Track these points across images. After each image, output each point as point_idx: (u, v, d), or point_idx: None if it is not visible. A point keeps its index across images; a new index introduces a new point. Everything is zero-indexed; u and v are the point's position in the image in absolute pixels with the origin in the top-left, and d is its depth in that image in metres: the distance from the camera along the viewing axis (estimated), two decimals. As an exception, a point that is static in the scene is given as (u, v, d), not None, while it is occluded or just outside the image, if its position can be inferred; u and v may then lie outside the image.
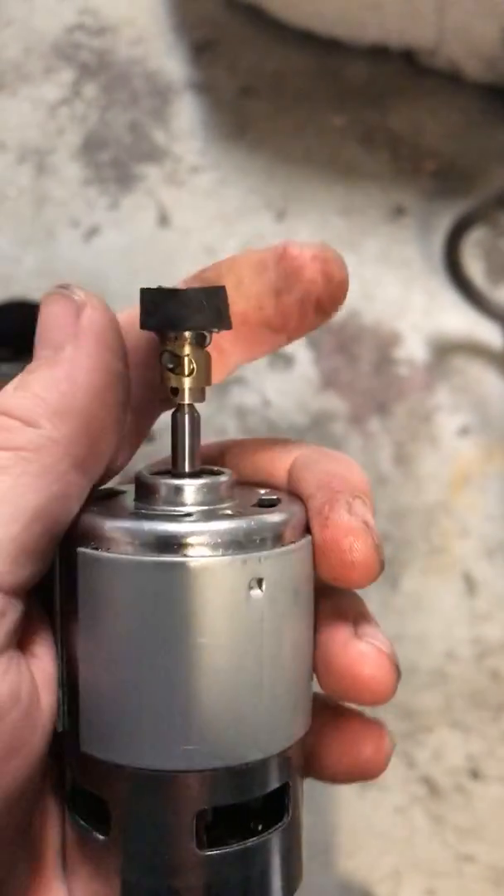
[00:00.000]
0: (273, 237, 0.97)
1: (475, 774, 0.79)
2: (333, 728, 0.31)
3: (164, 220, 0.99)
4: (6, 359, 0.88)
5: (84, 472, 0.28)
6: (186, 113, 1.06)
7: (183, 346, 0.30)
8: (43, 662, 0.28)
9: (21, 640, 0.28)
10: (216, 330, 0.31)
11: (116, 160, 1.03)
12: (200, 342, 0.30)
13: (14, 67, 1.09)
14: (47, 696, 0.28)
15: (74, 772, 0.30)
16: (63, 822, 0.31)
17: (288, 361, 0.91)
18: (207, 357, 0.31)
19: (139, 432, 0.30)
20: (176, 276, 0.95)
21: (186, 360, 0.30)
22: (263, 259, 0.30)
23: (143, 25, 1.12)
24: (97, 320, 0.29)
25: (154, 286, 0.31)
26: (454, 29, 0.95)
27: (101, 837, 0.29)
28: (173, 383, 0.30)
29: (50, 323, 0.29)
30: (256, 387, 0.90)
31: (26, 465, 0.26)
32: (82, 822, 0.29)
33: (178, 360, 0.30)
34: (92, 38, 1.11)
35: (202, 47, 1.10)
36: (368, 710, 0.33)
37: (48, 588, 0.29)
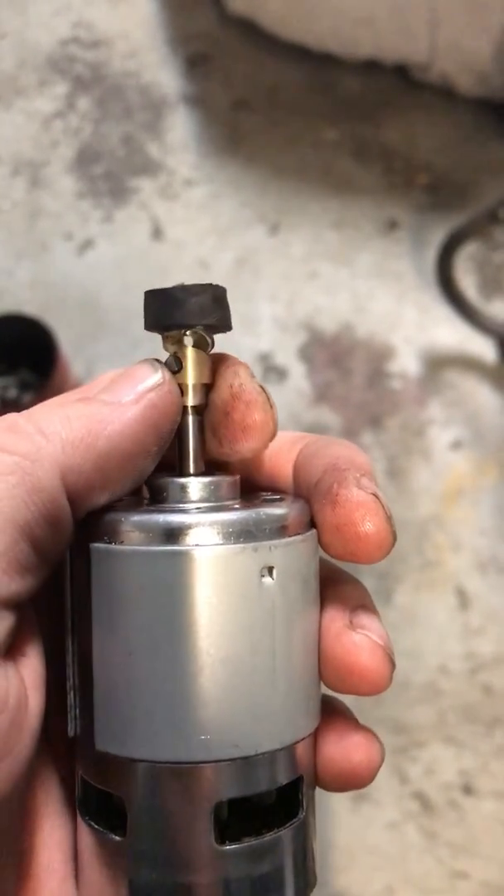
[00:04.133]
0: (266, 251, 0.98)
1: (468, 790, 0.79)
2: (326, 731, 0.31)
3: (157, 233, 0.99)
4: (0, 372, 0.88)
5: (73, 507, 0.28)
6: (180, 126, 1.06)
7: (185, 346, 0.30)
8: (32, 665, 0.28)
9: (11, 647, 0.28)
10: (218, 330, 0.31)
11: (110, 173, 1.03)
12: (202, 343, 0.31)
13: (8, 80, 1.09)
14: (35, 700, 0.28)
15: (88, 774, 0.30)
16: (63, 831, 0.31)
17: (281, 374, 0.91)
18: (208, 359, 0.31)
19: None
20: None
21: (190, 360, 0.30)
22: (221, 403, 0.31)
23: (137, 39, 1.13)
24: (161, 403, 0.30)
25: (156, 287, 0.31)
26: (447, 44, 0.95)
27: (115, 839, 0.29)
28: (177, 384, 0.31)
29: (128, 376, 0.30)
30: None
31: (22, 476, 0.27)
32: (96, 826, 0.29)
33: (181, 360, 0.31)
34: (86, 52, 1.11)
35: (196, 61, 1.11)
36: (363, 714, 0.33)
37: (40, 597, 0.29)
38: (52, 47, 1.10)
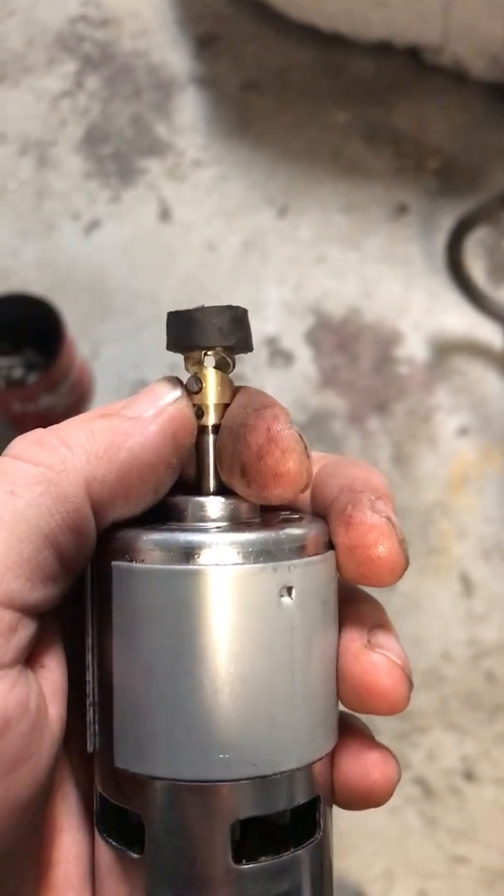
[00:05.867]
0: (275, 233, 0.97)
1: (469, 776, 0.79)
2: (342, 749, 0.31)
3: (165, 214, 0.99)
4: (4, 352, 0.88)
5: (97, 518, 0.29)
6: (189, 107, 1.05)
7: (206, 367, 0.31)
8: (53, 676, 0.29)
9: (32, 655, 0.28)
10: (238, 351, 0.31)
11: (118, 153, 1.02)
12: (223, 364, 0.31)
13: (16, 58, 1.08)
14: (56, 709, 0.28)
15: (106, 790, 0.30)
16: (81, 846, 0.31)
17: (288, 359, 0.91)
18: (229, 380, 0.31)
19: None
20: (176, 271, 0.95)
21: (210, 380, 0.31)
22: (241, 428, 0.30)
23: (146, 18, 1.12)
24: (179, 416, 0.31)
25: (181, 308, 0.31)
26: (460, 27, 0.94)
27: (134, 856, 0.29)
28: (197, 404, 0.31)
29: (148, 393, 0.31)
30: (256, 383, 0.89)
31: (48, 486, 0.27)
32: (114, 843, 0.30)
33: (201, 381, 0.31)
34: (95, 30, 1.10)
35: (206, 41, 1.10)
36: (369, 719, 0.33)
37: (63, 609, 0.29)
38: (60, 25, 1.09)
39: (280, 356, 0.91)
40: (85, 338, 0.91)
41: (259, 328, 0.90)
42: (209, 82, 1.06)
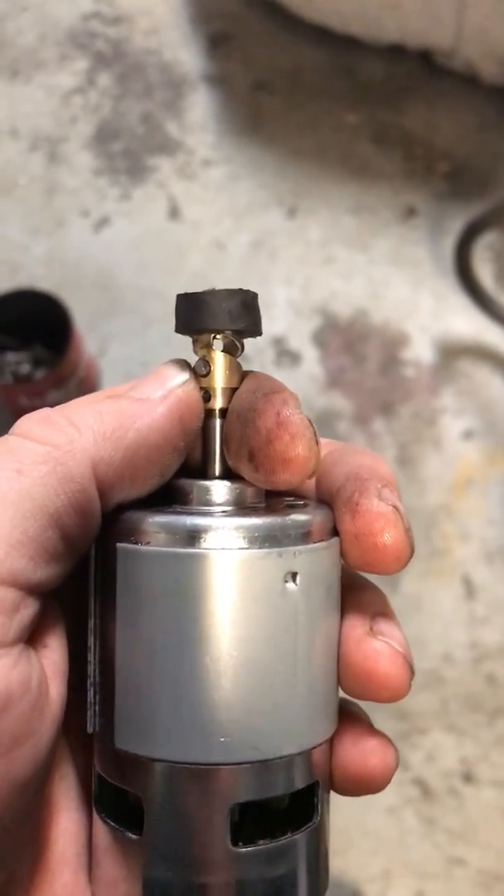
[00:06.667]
0: (283, 234, 0.97)
1: (468, 778, 0.79)
2: (342, 735, 0.32)
3: (174, 212, 0.99)
4: (12, 347, 0.88)
5: (102, 499, 0.29)
6: (200, 106, 1.05)
7: (214, 350, 0.31)
8: (54, 655, 0.29)
9: (34, 634, 0.28)
10: (247, 335, 0.31)
11: (128, 151, 1.02)
12: (231, 348, 0.31)
13: (29, 54, 1.08)
14: (56, 688, 0.29)
15: (106, 771, 0.30)
16: (78, 825, 0.31)
17: (294, 359, 0.91)
18: (237, 363, 0.31)
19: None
20: (185, 270, 0.95)
21: (218, 363, 0.31)
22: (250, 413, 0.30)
23: (159, 16, 1.12)
24: (187, 399, 0.31)
25: (189, 291, 0.31)
26: (472, 31, 0.94)
27: (132, 837, 0.29)
28: (205, 387, 0.31)
29: (157, 375, 0.32)
30: (262, 383, 0.90)
31: (54, 466, 0.27)
32: (112, 823, 0.30)
33: (209, 364, 0.31)
34: (108, 27, 1.11)
35: (218, 40, 1.10)
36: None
37: (64, 589, 0.29)
38: (73, 22, 1.10)
39: (287, 356, 0.91)
40: (93, 334, 0.91)
41: (266, 328, 0.90)
42: (220, 81, 1.06)
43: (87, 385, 0.87)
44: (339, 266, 0.96)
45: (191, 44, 1.09)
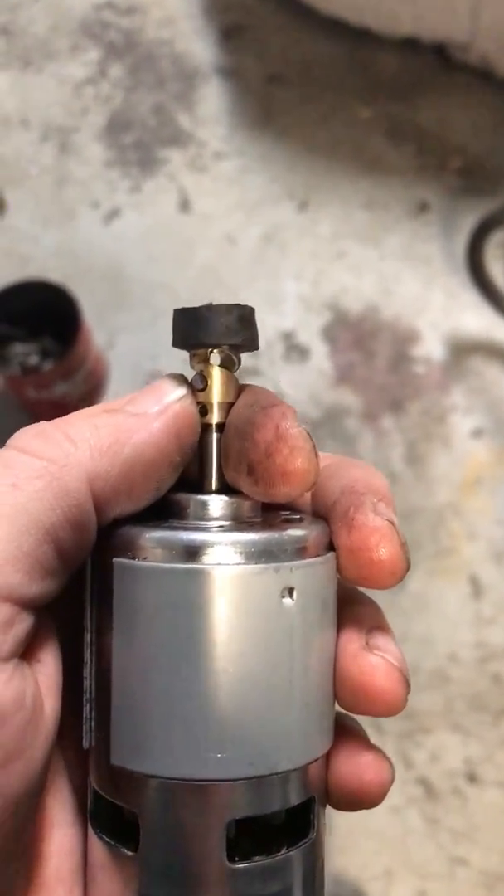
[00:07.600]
0: (294, 228, 0.97)
1: (472, 778, 0.79)
2: (337, 750, 0.31)
3: (185, 205, 0.98)
4: (21, 338, 0.88)
5: (98, 514, 0.29)
6: (212, 98, 1.05)
7: (211, 365, 0.31)
8: (48, 670, 0.29)
9: (28, 649, 0.29)
10: (244, 349, 0.31)
11: (140, 143, 1.02)
12: (228, 363, 0.31)
13: (41, 44, 1.08)
14: (51, 703, 0.29)
15: (101, 787, 0.30)
16: (73, 841, 0.31)
17: (303, 354, 0.91)
18: (234, 378, 0.31)
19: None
20: (194, 263, 0.95)
21: (215, 378, 0.31)
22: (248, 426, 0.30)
23: (172, 7, 1.11)
24: (184, 414, 0.31)
25: (186, 306, 0.31)
26: (488, 25, 0.93)
27: (128, 853, 0.29)
28: (202, 402, 0.31)
29: (153, 389, 0.32)
30: (270, 377, 0.89)
31: (50, 480, 0.27)
32: (108, 840, 0.29)
33: (206, 378, 0.31)
34: (120, 18, 1.10)
35: (231, 32, 1.09)
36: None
37: (59, 604, 0.29)
38: (85, 12, 1.09)
39: (296, 351, 0.91)
40: (101, 327, 0.91)
41: (276, 322, 0.90)
42: (233, 74, 1.05)
43: (94, 377, 0.86)
44: (349, 261, 0.95)
45: (204, 35, 1.08)
